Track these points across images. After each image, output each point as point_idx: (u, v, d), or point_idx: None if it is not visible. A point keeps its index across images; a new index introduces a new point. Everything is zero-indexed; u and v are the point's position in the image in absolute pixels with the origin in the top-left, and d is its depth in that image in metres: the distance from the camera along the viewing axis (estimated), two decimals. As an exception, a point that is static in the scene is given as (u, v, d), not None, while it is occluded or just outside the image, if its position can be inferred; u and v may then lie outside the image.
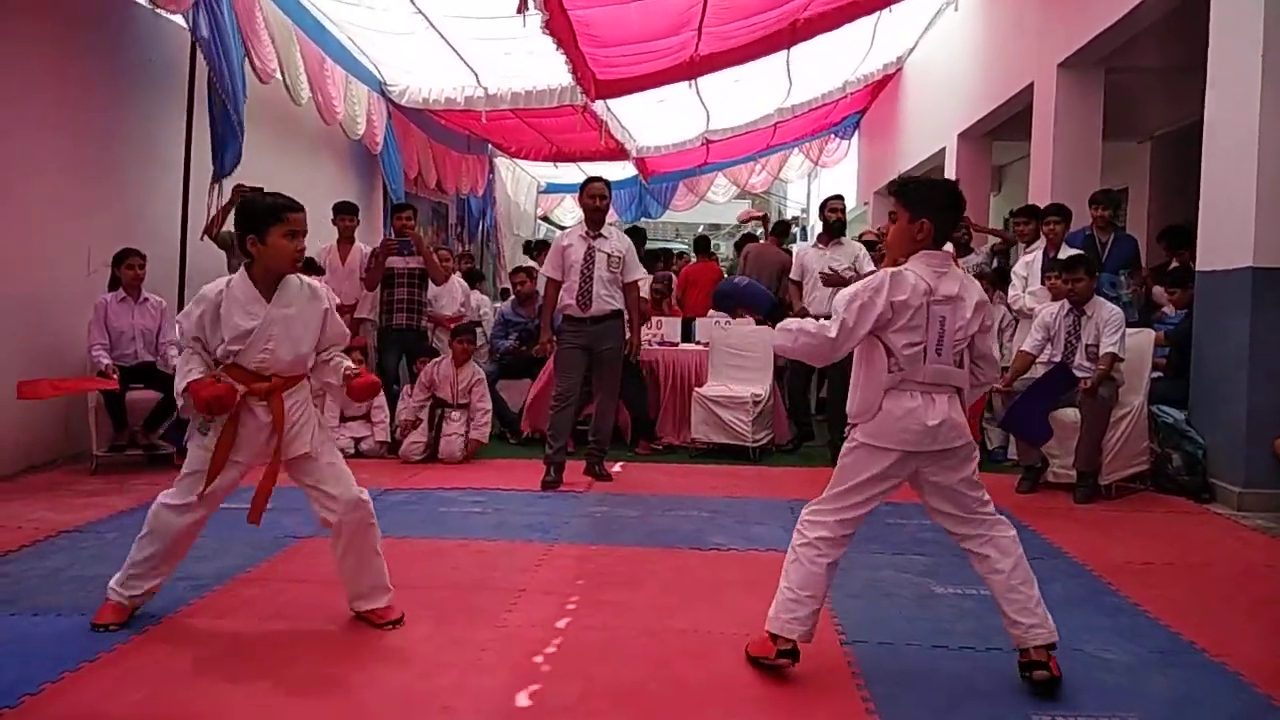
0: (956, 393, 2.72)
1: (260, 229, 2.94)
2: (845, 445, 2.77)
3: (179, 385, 2.97)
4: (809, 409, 7.38)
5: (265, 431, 3.03)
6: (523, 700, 2.59)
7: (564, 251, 5.63)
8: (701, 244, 10.98)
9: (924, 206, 2.71)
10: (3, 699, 2.49)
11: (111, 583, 3.08)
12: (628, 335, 5.77)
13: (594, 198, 5.63)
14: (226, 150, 6.53)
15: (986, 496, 2.78)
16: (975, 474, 2.75)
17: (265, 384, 2.98)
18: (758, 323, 6.45)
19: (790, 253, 8.54)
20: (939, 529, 3.91)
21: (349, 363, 3.23)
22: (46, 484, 5.28)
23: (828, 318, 2.69)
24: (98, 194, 6.17)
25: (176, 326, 3.08)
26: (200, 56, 6.23)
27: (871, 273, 4.91)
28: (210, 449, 2.99)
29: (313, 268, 6.70)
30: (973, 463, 2.74)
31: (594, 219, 5.63)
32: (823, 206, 7.11)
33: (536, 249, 7.94)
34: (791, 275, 7.06)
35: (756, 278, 7.75)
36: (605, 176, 5.84)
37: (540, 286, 6.29)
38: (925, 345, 2.64)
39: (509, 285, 8.61)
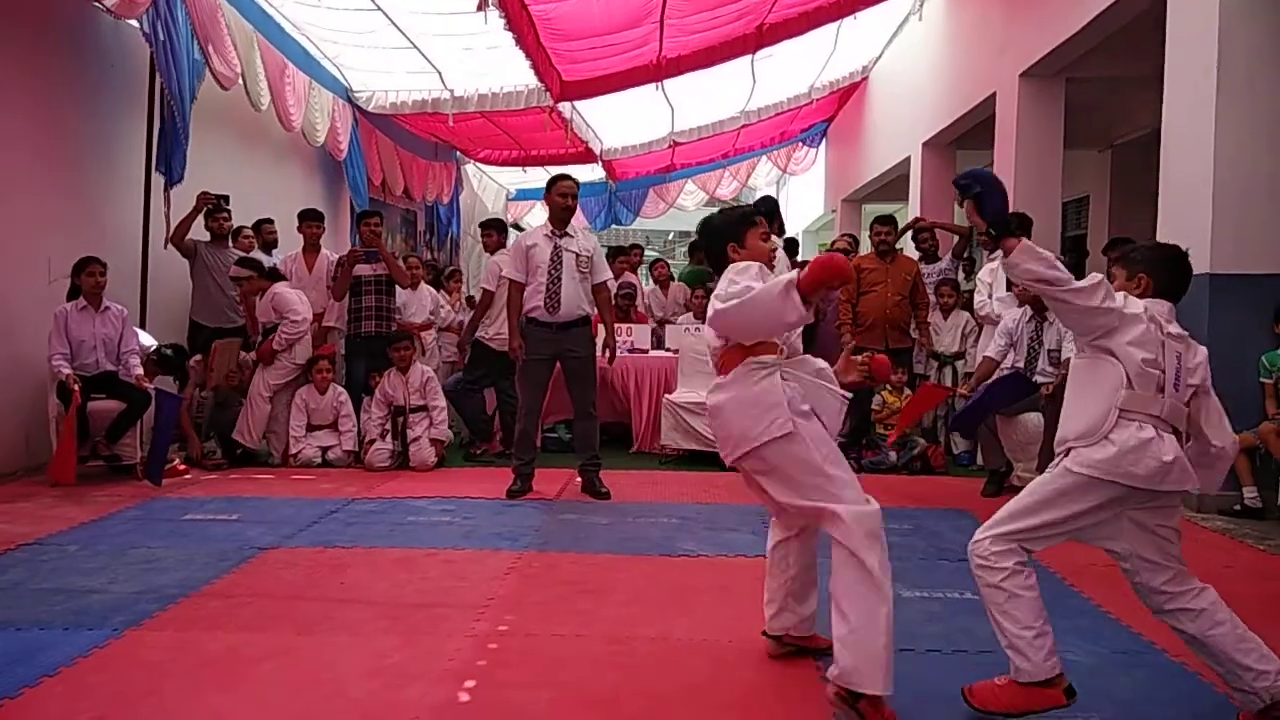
0: None
1: (739, 236, 2.86)
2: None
3: (783, 280, 2.45)
4: None
5: None
6: (492, 710, 2.57)
7: (528, 252, 5.39)
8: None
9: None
10: (-41, 717, 2.44)
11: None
12: (601, 340, 5.64)
13: (564, 196, 5.40)
14: (174, 157, 6.45)
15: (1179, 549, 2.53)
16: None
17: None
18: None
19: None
20: (906, 534, 3.93)
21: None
22: (6, 495, 5.17)
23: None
24: (57, 202, 6.07)
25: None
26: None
27: None
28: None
29: (276, 276, 6.64)
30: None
31: (562, 218, 5.42)
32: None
33: (485, 229, 7.32)
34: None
35: None
36: (575, 178, 5.62)
37: (477, 289, 6.21)
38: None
39: (474, 294, 8.59)
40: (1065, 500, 2.45)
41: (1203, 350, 2.54)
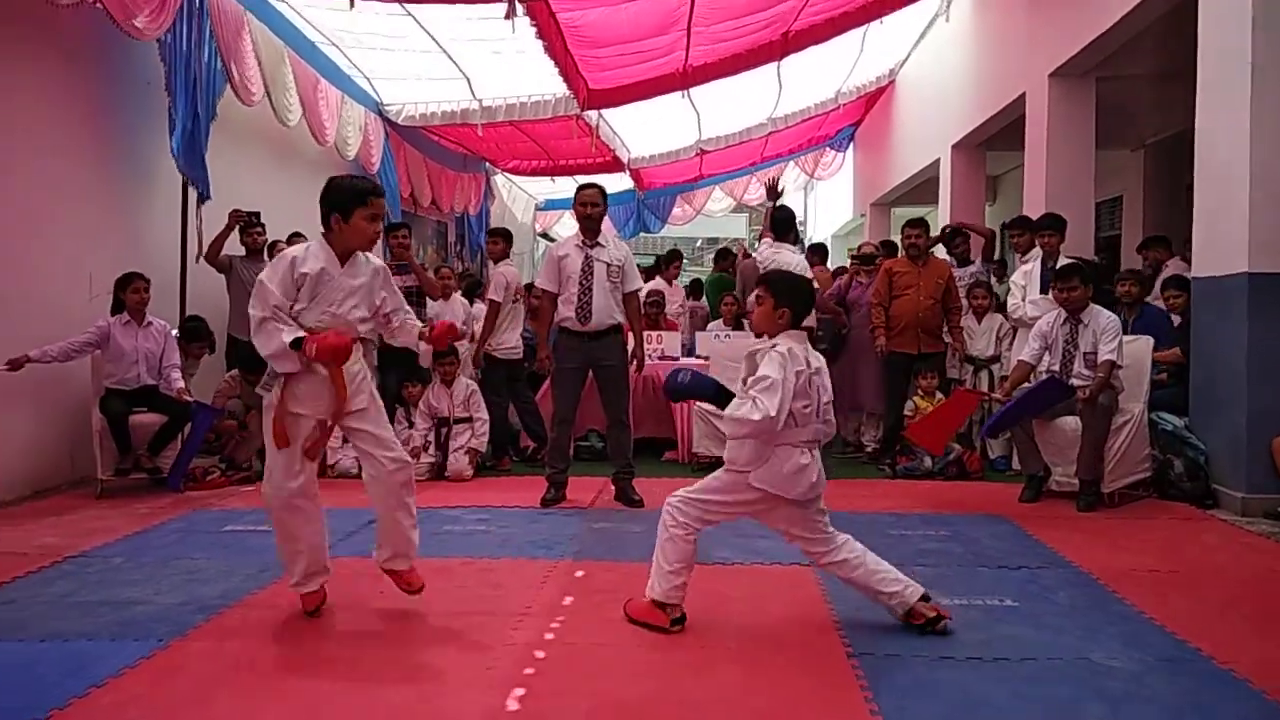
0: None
1: (346, 209, 3.26)
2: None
3: (281, 344, 3.15)
4: None
5: (326, 387, 3.27)
6: (531, 718, 2.59)
7: (560, 262, 5.41)
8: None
9: (784, 297, 3.22)
10: (12, 726, 2.50)
11: (291, 585, 3.41)
12: (630, 348, 5.61)
13: (584, 205, 5.42)
14: (194, 174, 6.56)
15: (828, 518, 3.26)
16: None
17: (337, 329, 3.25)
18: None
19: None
20: (943, 540, 3.94)
21: (417, 320, 3.64)
22: (52, 509, 5.28)
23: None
24: (98, 218, 6.20)
25: (259, 295, 3.21)
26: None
27: None
28: (273, 405, 3.27)
29: None
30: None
31: (587, 227, 5.43)
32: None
33: (492, 237, 7.27)
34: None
35: (744, 291, 7.77)
36: (601, 185, 5.62)
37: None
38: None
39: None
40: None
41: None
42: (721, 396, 3.20)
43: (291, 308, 3.24)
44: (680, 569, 3.22)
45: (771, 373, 3.06)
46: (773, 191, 7.29)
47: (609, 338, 5.43)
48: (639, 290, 5.72)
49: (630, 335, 5.73)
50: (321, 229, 3.33)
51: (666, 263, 10.11)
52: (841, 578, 3.26)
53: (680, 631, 3.19)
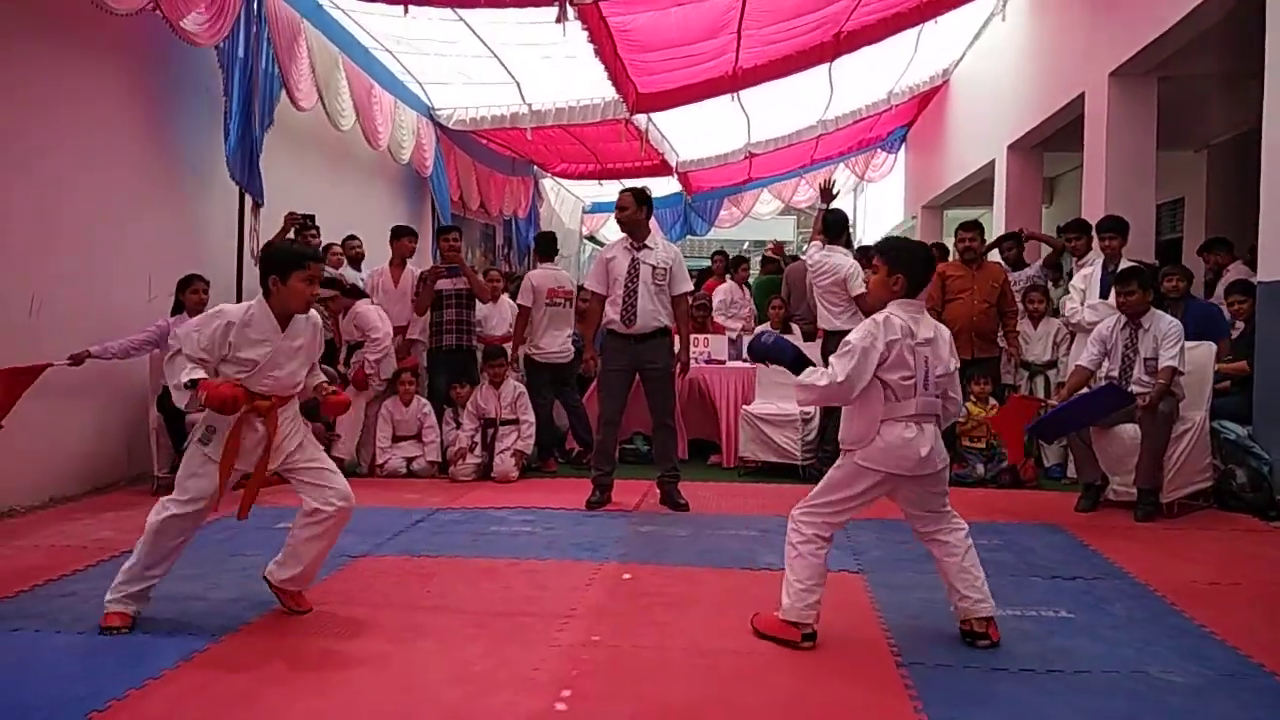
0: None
1: (283, 271, 3.32)
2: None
3: (182, 379, 3.22)
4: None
5: (260, 441, 3.36)
6: (576, 721, 2.59)
7: (608, 264, 5.46)
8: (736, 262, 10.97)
9: (898, 264, 3.11)
10: (71, 716, 2.55)
11: (110, 595, 3.30)
12: (676, 351, 5.55)
13: (617, 209, 5.50)
14: (249, 178, 6.69)
15: (947, 496, 3.20)
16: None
17: (266, 402, 3.34)
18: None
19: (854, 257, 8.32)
20: (996, 550, 3.89)
21: (324, 379, 3.69)
22: (110, 505, 5.42)
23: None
24: (158, 223, 6.35)
25: (187, 340, 3.29)
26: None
27: None
28: (214, 457, 3.30)
29: (358, 293, 6.77)
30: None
31: (629, 231, 5.47)
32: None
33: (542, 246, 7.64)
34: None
35: (800, 297, 7.71)
36: (644, 189, 5.62)
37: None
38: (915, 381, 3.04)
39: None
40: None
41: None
42: (799, 364, 3.17)
43: (234, 372, 3.29)
44: (812, 585, 3.12)
45: (853, 339, 3.02)
46: (826, 194, 7.23)
47: (655, 340, 5.41)
48: (688, 293, 5.68)
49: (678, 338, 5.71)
50: (261, 291, 3.36)
51: (735, 266, 10.03)
52: (935, 555, 3.21)
53: (812, 647, 3.10)
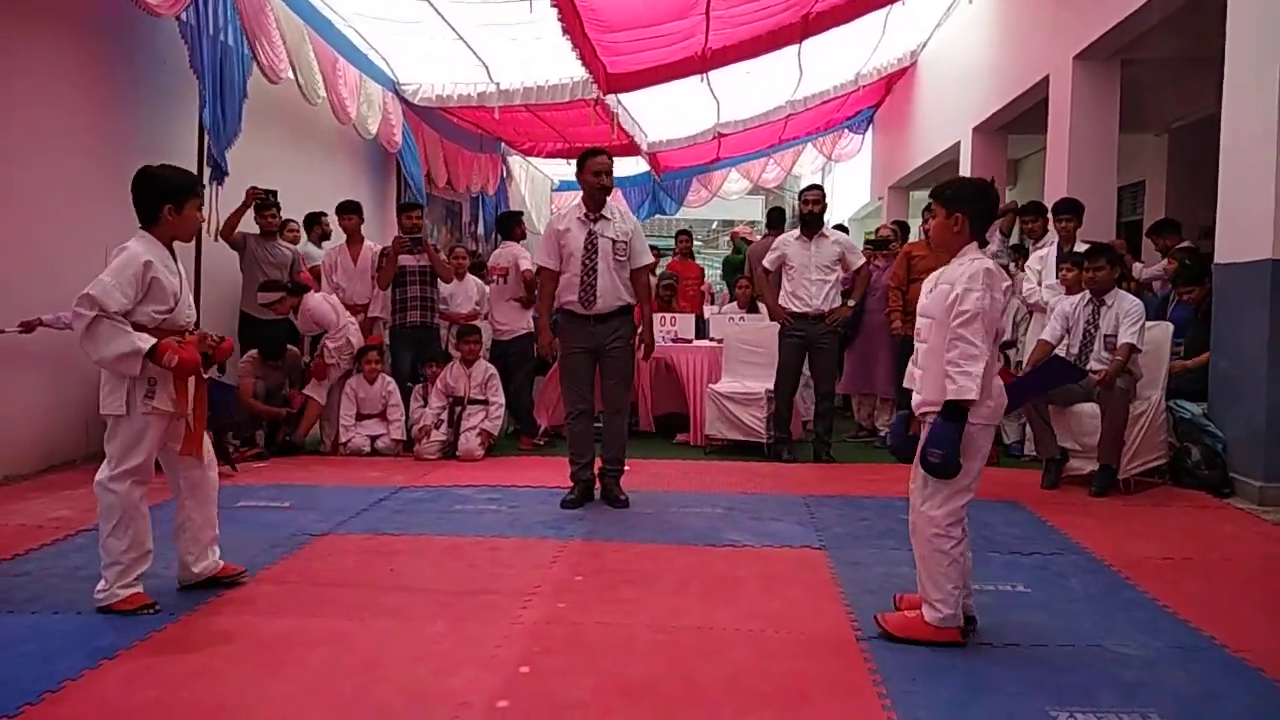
0: None
1: (179, 200, 3.25)
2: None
3: (136, 347, 3.07)
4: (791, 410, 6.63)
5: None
6: (534, 696, 2.59)
7: (560, 236, 4.88)
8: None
9: (954, 202, 2.92)
10: (24, 696, 2.52)
11: (101, 590, 3.18)
12: (638, 329, 5.11)
13: (598, 174, 4.83)
14: (217, 152, 6.55)
15: None
16: None
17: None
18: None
19: None
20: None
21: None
22: (66, 483, 5.32)
23: (819, 314, 2.74)
24: (114, 196, 6.18)
25: (103, 293, 3.11)
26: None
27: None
28: (163, 407, 3.17)
29: (301, 288, 6.63)
30: None
31: (597, 199, 4.88)
32: (800, 196, 6.72)
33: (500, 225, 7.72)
34: (765, 262, 6.51)
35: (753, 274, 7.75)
36: (609, 152, 5.02)
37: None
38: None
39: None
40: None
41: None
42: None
43: (154, 311, 3.18)
44: (959, 582, 2.92)
45: (969, 306, 2.78)
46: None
47: (617, 319, 4.96)
48: (649, 265, 5.23)
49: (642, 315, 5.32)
50: (140, 223, 3.24)
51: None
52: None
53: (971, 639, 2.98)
